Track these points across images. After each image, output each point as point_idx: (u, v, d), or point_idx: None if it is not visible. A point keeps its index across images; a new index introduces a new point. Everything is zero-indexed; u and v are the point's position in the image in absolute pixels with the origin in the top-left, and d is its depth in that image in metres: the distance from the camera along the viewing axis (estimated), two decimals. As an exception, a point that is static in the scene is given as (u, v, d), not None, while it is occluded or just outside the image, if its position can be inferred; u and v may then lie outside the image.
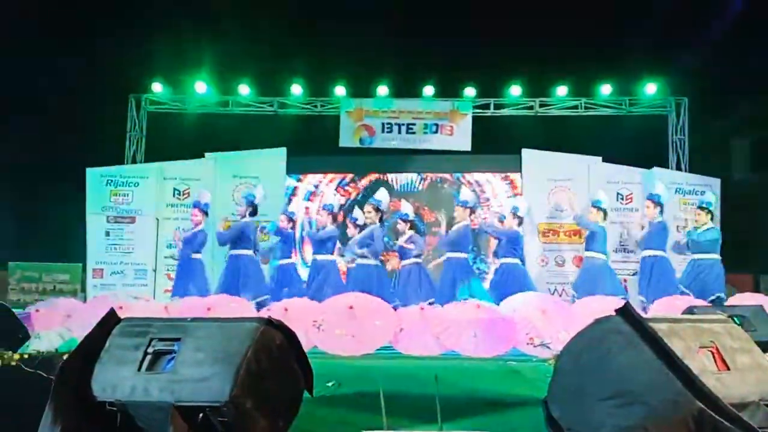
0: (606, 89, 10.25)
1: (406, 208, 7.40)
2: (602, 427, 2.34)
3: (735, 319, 3.54)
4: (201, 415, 2.42)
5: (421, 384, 3.71)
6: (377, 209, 7.22)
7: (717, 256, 6.99)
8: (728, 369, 2.46)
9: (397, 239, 7.31)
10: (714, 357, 2.48)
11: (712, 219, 7.19)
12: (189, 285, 7.12)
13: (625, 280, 8.18)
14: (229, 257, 7.26)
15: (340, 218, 7.66)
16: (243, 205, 7.43)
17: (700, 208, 7.23)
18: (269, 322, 2.65)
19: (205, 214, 7.47)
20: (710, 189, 8.35)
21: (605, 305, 4.63)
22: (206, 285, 7.29)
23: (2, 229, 10.20)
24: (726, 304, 6.28)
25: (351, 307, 5.54)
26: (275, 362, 2.60)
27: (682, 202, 8.53)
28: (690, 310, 4.75)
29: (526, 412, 3.10)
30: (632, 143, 10.15)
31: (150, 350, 2.57)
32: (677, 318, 2.69)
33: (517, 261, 7.39)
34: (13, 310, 5.31)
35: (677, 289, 6.95)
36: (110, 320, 2.69)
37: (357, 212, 7.50)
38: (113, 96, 10.32)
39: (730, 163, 8.37)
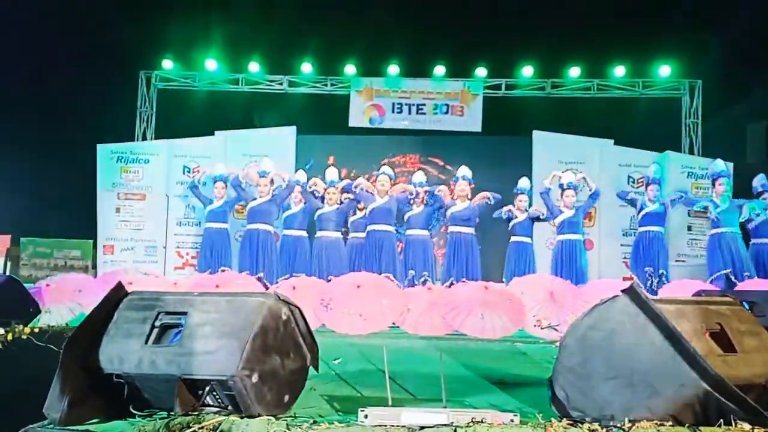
0: (619, 71, 10.15)
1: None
2: (607, 406, 2.34)
3: (745, 303, 3.52)
4: (207, 388, 2.45)
5: (427, 363, 3.72)
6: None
7: None
8: (735, 351, 2.45)
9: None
10: (721, 339, 2.47)
11: None
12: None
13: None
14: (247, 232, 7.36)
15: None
16: (262, 183, 7.44)
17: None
18: (276, 298, 2.66)
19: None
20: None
21: (614, 287, 4.61)
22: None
23: (14, 205, 10.28)
24: (735, 288, 6.25)
25: (359, 286, 5.56)
26: (282, 337, 2.62)
27: (695, 186, 8.46)
28: (699, 294, 4.72)
29: (532, 392, 3.11)
30: (645, 126, 10.05)
31: (157, 323, 2.59)
32: (685, 299, 2.68)
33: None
34: (25, 284, 5.35)
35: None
36: (118, 293, 2.71)
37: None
38: (124, 73, 10.34)
39: (745, 148, 8.27)
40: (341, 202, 7.52)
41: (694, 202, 7.73)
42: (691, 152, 9.87)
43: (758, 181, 7.49)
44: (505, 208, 7.52)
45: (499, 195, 7.38)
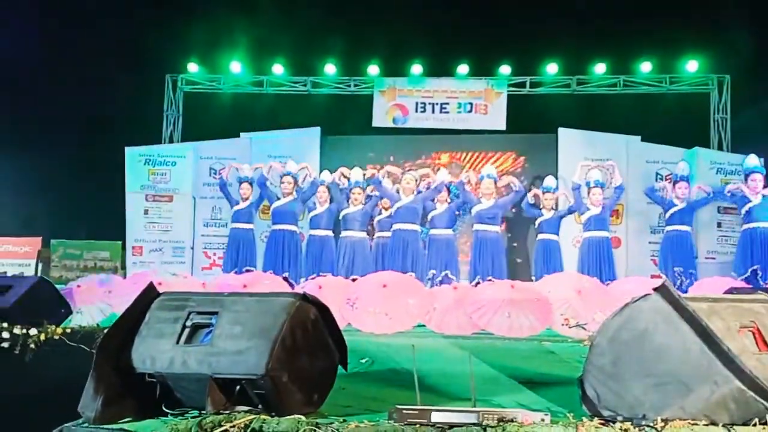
0: (646, 66, 10.01)
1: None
2: (639, 406, 2.31)
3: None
4: (238, 387, 2.47)
5: (454, 362, 3.71)
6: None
7: None
8: (770, 349, 2.40)
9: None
10: (755, 337, 2.43)
11: None
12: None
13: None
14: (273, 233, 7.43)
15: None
16: (286, 183, 7.51)
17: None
18: (304, 297, 2.68)
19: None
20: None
21: (642, 285, 4.55)
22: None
23: (45, 207, 10.48)
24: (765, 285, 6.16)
25: (384, 286, 5.56)
26: (310, 337, 2.64)
27: (723, 182, 8.31)
28: (731, 291, 4.65)
29: (561, 391, 3.08)
30: (672, 122, 9.90)
31: (188, 323, 2.63)
32: (717, 297, 2.64)
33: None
34: (56, 285, 5.44)
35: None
36: (149, 294, 2.75)
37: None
38: (151, 77, 10.47)
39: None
40: (366, 202, 7.54)
41: (721, 193, 7.60)
42: (720, 148, 9.70)
43: None
44: (530, 194, 7.53)
45: (523, 187, 7.40)
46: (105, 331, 2.82)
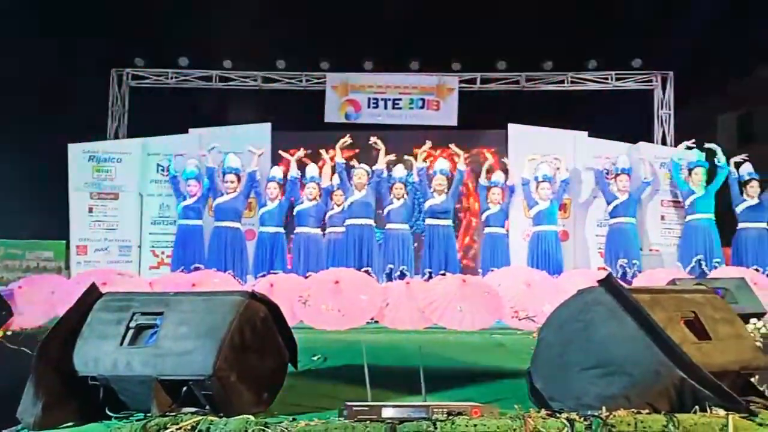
0: (592, 63, 10.23)
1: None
2: (584, 396, 2.36)
3: (718, 291, 3.57)
4: (184, 388, 2.42)
5: (406, 357, 3.72)
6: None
7: None
8: (709, 339, 2.48)
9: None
10: (695, 327, 2.51)
11: None
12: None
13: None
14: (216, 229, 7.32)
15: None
16: (228, 180, 7.42)
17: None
18: (253, 296, 2.65)
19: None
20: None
21: (590, 278, 4.65)
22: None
23: (-16, 206, 10.08)
24: (709, 276, 6.36)
25: (337, 282, 5.54)
26: (259, 335, 2.60)
27: (667, 177, 8.54)
28: (673, 282, 4.79)
29: (511, 384, 3.12)
30: (618, 118, 10.13)
31: (132, 324, 2.56)
32: (660, 288, 2.72)
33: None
34: (-4, 287, 5.25)
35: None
36: (91, 295, 2.67)
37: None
38: (95, 71, 10.18)
39: (716, 139, 8.39)
40: (320, 198, 7.51)
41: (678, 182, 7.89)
42: (664, 143, 9.99)
43: (744, 169, 7.62)
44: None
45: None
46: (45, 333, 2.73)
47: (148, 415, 2.34)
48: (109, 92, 10.11)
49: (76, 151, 8.81)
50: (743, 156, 7.73)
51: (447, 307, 5.27)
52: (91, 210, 8.67)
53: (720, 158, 7.69)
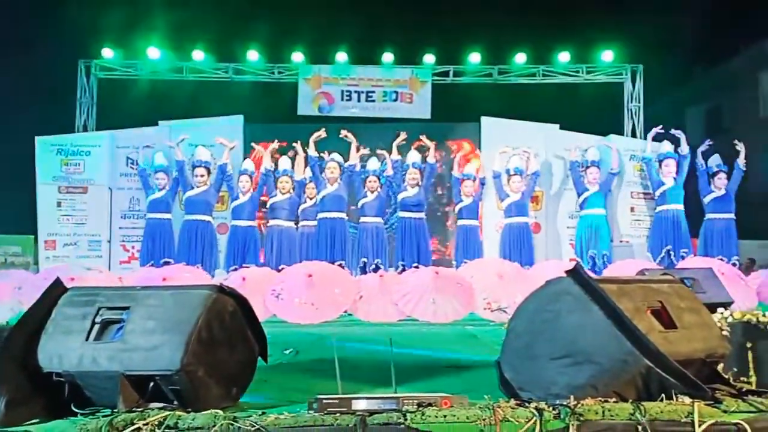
0: (564, 57, 10.31)
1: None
2: (553, 385, 2.38)
3: (685, 281, 3.62)
4: (151, 384, 2.39)
5: (378, 350, 3.72)
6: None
7: None
8: (675, 328, 2.51)
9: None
10: (662, 316, 2.54)
11: None
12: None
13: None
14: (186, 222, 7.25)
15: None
16: (198, 173, 7.35)
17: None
18: (221, 290, 2.62)
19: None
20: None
21: (562, 269, 4.69)
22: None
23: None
24: (677, 266, 6.46)
25: (310, 276, 5.52)
26: (228, 330, 2.57)
27: (637, 169, 8.66)
28: (642, 272, 4.85)
29: (481, 374, 3.14)
30: (589, 111, 10.25)
31: (98, 320, 2.52)
32: (627, 279, 2.74)
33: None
34: (-39, 283, 5.14)
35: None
36: (56, 290, 2.62)
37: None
38: (62, 62, 10.00)
39: (685, 131, 8.52)
40: (293, 191, 7.47)
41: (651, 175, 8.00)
42: (634, 135, 10.12)
43: (713, 161, 7.74)
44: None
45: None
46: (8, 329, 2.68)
47: (115, 411, 2.31)
48: (77, 84, 9.90)
49: (44, 144, 8.65)
50: (707, 143, 7.85)
51: (420, 299, 5.28)
52: (59, 204, 8.53)
53: (683, 147, 7.82)
